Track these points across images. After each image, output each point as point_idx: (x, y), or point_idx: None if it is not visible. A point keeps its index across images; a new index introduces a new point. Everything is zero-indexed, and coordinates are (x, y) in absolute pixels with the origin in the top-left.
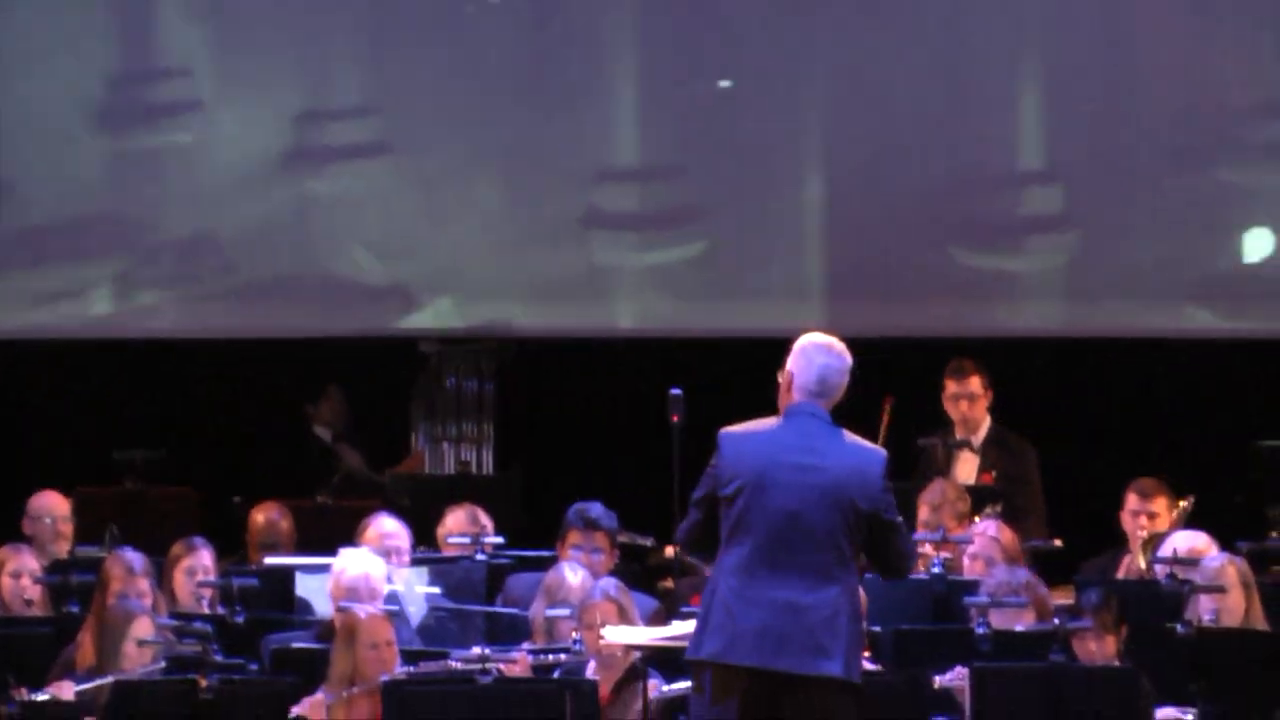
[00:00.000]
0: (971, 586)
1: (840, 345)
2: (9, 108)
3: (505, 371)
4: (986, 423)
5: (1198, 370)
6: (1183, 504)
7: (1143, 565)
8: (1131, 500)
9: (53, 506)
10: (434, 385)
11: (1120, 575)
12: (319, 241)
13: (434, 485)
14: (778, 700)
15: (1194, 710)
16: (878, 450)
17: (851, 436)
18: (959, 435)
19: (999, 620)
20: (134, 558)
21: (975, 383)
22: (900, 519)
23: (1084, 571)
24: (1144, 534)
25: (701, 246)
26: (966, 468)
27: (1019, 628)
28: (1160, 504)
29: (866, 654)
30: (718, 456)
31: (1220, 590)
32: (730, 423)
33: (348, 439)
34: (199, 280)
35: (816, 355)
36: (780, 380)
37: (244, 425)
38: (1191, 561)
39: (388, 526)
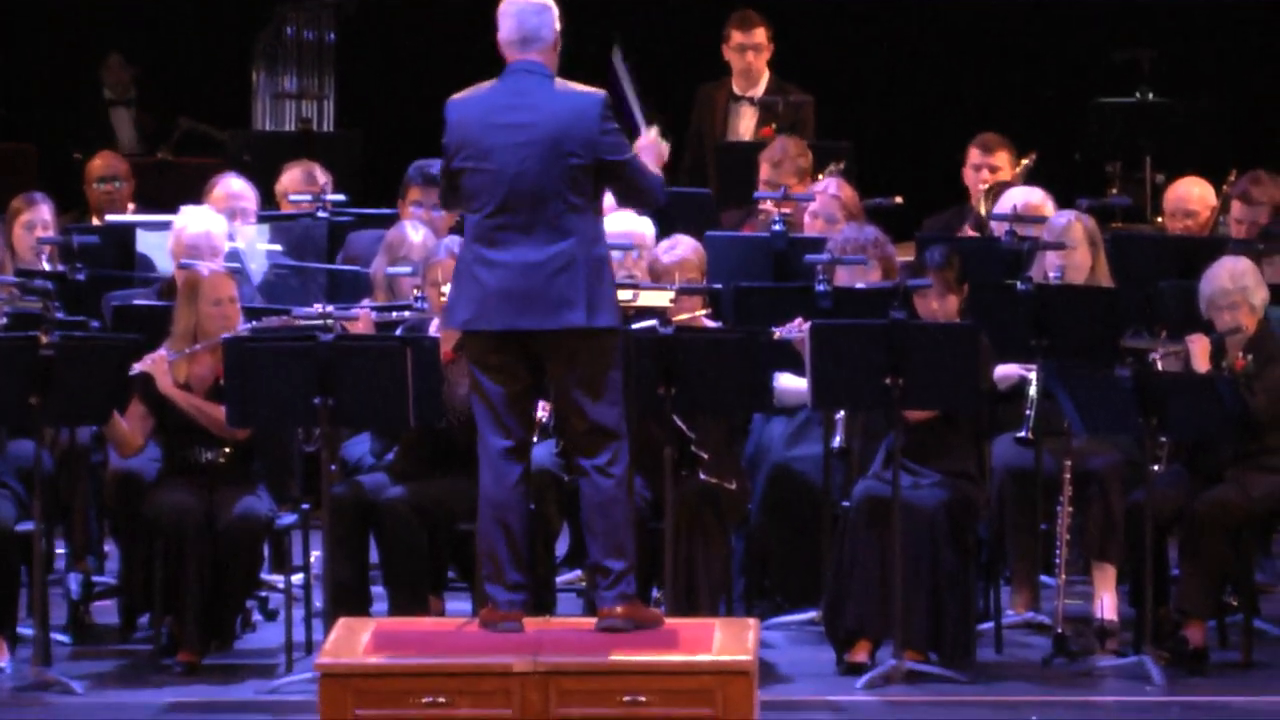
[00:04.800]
0: (814, 245)
1: None
2: None
3: (347, 26)
4: (766, 76)
5: (1037, 29)
6: (1025, 161)
7: (983, 212)
8: (974, 155)
9: None
10: (274, 40)
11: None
12: None
13: (275, 142)
14: (531, 352)
15: (1034, 366)
16: (593, 93)
17: (566, 84)
18: (737, 88)
19: (842, 278)
20: None
21: (760, 34)
22: (630, 155)
23: (926, 228)
24: (985, 187)
25: None
26: (746, 123)
27: (860, 285)
28: (1002, 158)
29: (705, 311)
30: (445, 128)
31: (1066, 247)
32: None
33: (127, 104)
34: None
35: (510, 8)
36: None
37: (84, 82)
38: (1039, 219)
39: (235, 187)
